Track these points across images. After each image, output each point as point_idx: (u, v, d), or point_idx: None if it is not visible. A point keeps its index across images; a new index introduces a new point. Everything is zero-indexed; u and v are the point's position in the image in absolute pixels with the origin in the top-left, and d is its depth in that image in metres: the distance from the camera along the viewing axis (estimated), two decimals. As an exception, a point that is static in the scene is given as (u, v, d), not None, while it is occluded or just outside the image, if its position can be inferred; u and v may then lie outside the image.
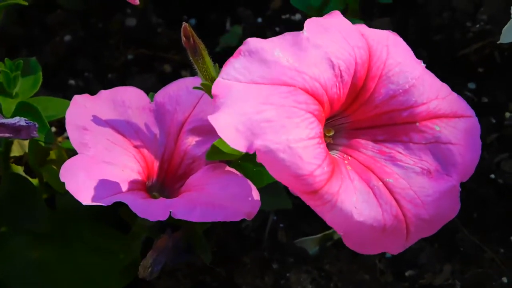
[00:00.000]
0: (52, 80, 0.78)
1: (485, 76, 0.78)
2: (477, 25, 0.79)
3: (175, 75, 0.79)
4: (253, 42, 0.44)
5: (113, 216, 0.63)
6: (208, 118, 0.42)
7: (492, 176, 0.72)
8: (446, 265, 0.66)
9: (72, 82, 0.78)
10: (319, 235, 0.67)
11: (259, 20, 0.81)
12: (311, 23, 0.46)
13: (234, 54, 0.44)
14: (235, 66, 0.44)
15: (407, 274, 0.67)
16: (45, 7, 0.82)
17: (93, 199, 0.49)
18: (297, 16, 0.81)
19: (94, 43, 0.80)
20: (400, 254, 0.69)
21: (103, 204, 0.49)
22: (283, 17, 0.82)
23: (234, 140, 0.43)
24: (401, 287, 0.66)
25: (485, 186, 0.72)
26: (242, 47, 0.44)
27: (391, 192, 0.47)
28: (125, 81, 0.80)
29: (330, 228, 0.69)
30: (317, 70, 0.45)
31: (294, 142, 0.43)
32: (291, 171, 0.43)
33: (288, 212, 0.69)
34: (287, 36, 0.45)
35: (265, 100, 0.43)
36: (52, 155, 0.61)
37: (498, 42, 0.55)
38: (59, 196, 0.64)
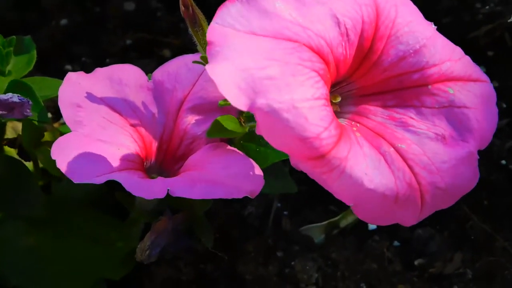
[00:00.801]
0: (48, 65, 0.77)
1: (495, 59, 0.76)
2: (487, 7, 0.77)
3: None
4: None
5: (112, 203, 0.61)
6: (206, 68, 0.39)
7: (503, 162, 0.71)
8: (457, 253, 0.65)
9: (68, 67, 0.78)
10: (324, 223, 0.66)
11: None
12: None
13: None
14: (230, 11, 0.41)
15: (416, 263, 0.66)
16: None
17: (84, 177, 0.47)
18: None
19: (91, 28, 0.79)
20: (408, 242, 0.68)
21: (95, 183, 0.47)
22: None
23: (235, 97, 0.40)
24: (410, 276, 0.64)
25: (495, 172, 0.70)
26: None
27: (403, 158, 0.44)
28: (124, 66, 0.77)
29: (336, 215, 0.68)
30: (322, 27, 0.43)
31: (299, 101, 0.40)
32: (296, 133, 0.40)
33: (293, 199, 0.68)
34: None
35: (268, 55, 0.40)
36: (47, 136, 0.59)
37: (509, 21, 0.53)
38: (55, 182, 0.62)
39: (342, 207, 0.68)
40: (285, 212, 0.67)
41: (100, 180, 0.47)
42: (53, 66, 0.77)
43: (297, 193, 0.64)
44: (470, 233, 0.66)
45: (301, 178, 0.62)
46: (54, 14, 0.80)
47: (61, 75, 0.78)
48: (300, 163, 0.42)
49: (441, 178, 0.45)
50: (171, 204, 0.56)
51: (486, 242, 0.66)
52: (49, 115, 0.73)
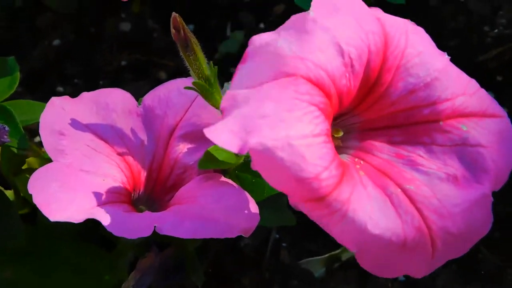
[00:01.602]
0: (40, 87, 0.76)
1: (504, 84, 0.76)
2: (496, 30, 0.77)
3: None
4: (257, 39, 0.41)
5: (100, 233, 0.58)
6: (204, 132, 0.38)
7: (514, 193, 0.68)
8: (466, 288, 0.62)
9: (60, 89, 0.77)
10: (325, 256, 0.65)
11: (262, 25, 0.81)
12: (319, 2, 0.42)
13: (242, 59, 0.41)
14: (242, 72, 0.40)
15: (423, 298, 0.63)
16: (35, 10, 0.79)
17: (62, 215, 0.44)
18: (302, 21, 0.77)
19: (85, 48, 0.79)
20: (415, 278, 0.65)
21: (74, 221, 0.44)
22: None
23: (226, 140, 0.38)
24: (416, 313, 0.62)
25: (507, 201, 0.67)
26: (248, 49, 0.41)
27: (411, 200, 0.42)
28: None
29: (337, 247, 0.65)
30: (323, 56, 0.40)
31: (296, 138, 0.38)
32: (292, 173, 0.38)
33: (292, 229, 0.67)
34: (292, 20, 0.41)
35: (263, 96, 0.38)
36: (33, 162, 0.56)
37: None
38: (40, 210, 0.59)
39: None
40: (283, 244, 0.66)
41: (78, 218, 0.45)
42: (45, 87, 0.77)
43: (296, 223, 0.62)
44: (480, 266, 0.65)
45: (301, 209, 0.59)
46: (48, 33, 0.80)
47: (52, 97, 0.77)
48: (299, 204, 0.40)
49: (453, 222, 0.42)
50: (159, 238, 0.53)
51: (497, 275, 0.64)
52: (37, 138, 0.71)
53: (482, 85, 0.78)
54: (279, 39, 0.40)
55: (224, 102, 0.39)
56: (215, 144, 0.47)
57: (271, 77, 0.39)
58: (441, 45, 0.78)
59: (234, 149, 0.37)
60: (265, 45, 0.40)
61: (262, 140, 0.37)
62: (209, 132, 0.38)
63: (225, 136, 0.38)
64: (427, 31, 0.81)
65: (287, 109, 0.38)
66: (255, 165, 0.38)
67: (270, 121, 0.37)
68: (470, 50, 0.76)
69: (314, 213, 0.39)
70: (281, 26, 0.41)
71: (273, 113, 0.38)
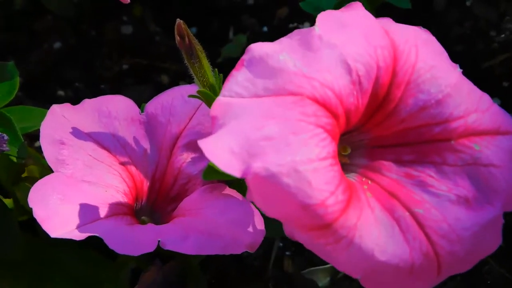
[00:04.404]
0: (40, 91, 0.74)
1: (511, 90, 0.74)
2: (502, 35, 0.75)
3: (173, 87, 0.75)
4: (256, 49, 0.39)
5: (102, 242, 0.57)
6: (198, 144, 0.36)
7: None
8: (472, 300, 0.61)
9: (61, 93, 0.76)
10: (330, 265, 0.64)
11: (265, 29, 0.80)
12: (325, 17, 0.40)
13: (236, 66, 0.39)
14: (237, 79, 0.38)
15: (428, 309, 0.61)
16: (35, 13, 0.78)
17: (63, 230, 0.43)
18: (306, 25, 0.78)
19: (85, 51, 0.78)
20: None
21: (74, 238, 0.42)
22: (291, 25, 0.80)
23: (227, 163, 0.36)
24: (422, 325, 0.60)
25: (512, 214, 0.66)
26: (244, 56, 0.39)
27: (420, 225, 0.40)
28: (119, 93, 0.75)
29: None
30: (330, 76, 0.38)
31: (302, 163, 0.36)
32: (298, 200, 0.36)
33: None
34: (296, 35, 0.39)
35: (265, 114, 0.37)
36: (33, 171, 0.55)
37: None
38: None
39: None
40: (287, 253, 0.65)
41: (80, 235, 0.43)
42: (45, 92, 0.76)
43: None
44: (486, 278, 0.64)
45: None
46: (47, 37, 0.78)
47: (53, 101, 0.76)
48: (296, 232, 0.38)
49: (461, 246, 0.41)
50: (162, 250, 0.52)
51: (504, 286, 0.63)
52: (37, 143, 0.70)
53: (488, 91, 0.77)
54: (281, 52, 0.38)
55: (215, 109, 0.37)
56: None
57: (272, 92, 0.37)
58: (447, 51, 0.78)
59: (236, 173, 0.36)
60: (265, 56, 0.38)
61: (267, 165, 0.36)
62: (205, 146, 0.36)
63: (225, 157, 0.36)
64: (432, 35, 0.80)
65: (293, 131, 0.36)
66: (252, 194, 0.36)
67: (275, 144, 0.36)
68: (476, 56, 0.75)
69: (316, 242, 0.37)
70: (283, 38, 0.40)
71: (278, 135, 0.36)
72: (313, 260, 0.65)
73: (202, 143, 0.36)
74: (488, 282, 0.64)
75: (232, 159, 0.36)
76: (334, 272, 0.64)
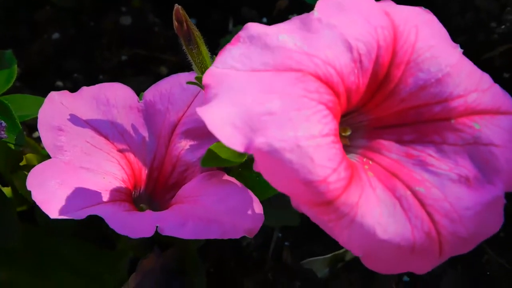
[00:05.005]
0: (39, 81, 0.74)
1: (511, 82, 0.73)
2: (503, 26, 0.76)
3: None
4: (254, 27, 0.38)
5: (100, 232, 0.57)
6: (197, 111, 0.36)
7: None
8: (471, 289, 0.61)
9: (60, 83, 0.76)
10: (329, 255, 0.63)
11: (265, 20, 0.79)
12: (323, 2, 0.40)
13: (232, 41, 0.38)
14: (232, 53, 0.37)
15: (428, 300, 0.62)
16: (34, 3, 0.78)
17: (63, 212, 0.43)
18: (306, 16, 0.76)
19: (85, 42, 0.78)
20: (420, 279, 0.64)
21: (74, 218, 0.43)
22: (290, 17, 0.78)
23: (230, 137, 0.36)
24: (421, 315, 0.61)
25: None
26: (241, 33, 0.38)
27: (422, 203, 0.40)
28: (118, 84, 0.75)
29: (341, 247, 0.64)
30: (331, 53, 0.38)
31: (304, 139, 0.36)
32: (300, 176, 0.36)
33: (295, 228, 0.65)
34: (295, 19, 0.39)
35: (267, 89, 0.36)
36: (32, 159, 0.55)
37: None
38: (38, 207, 0.58)
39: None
40: (286, 243, 0.65)
41: (80, 215, 0.44)
42: (44, 82, 0.76)
43: (300, 222, 0.62)
44: (486, 268, 0.63)
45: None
46: (47, 28, 0.78)
47: (51, 91, 0.76)
48: (302, 206, 0.38)
49: (463, 226, 0.40)
50: (161, 237, 0.52)
51: (503, 277, 0.63)
52: (36, 133, 0.70)
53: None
54: (280, 33, 0.38)
55: (208, 78, 0.37)
56: (218, 142, 0.45)
57: (271, 67, 0.37)
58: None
59: (239, 147, 0.36)
60: (263, 34, 0.38)
61: (270, 140, 0.35)
62: (205, 115, 0.35)
63: (228, 131, 0.36)
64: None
65: (296, 107, 0.36)
66: (258, 166, 0.37)
67: (277, 119, 0.35)
68: (476, 47, 0.75)
69: (319, 218, 0.38)
70: (281, 23, 0.39)
71: (280, 111, 0.36)
72: (312, 250, 0.65)
73: (201, 112, 0.36)
74: (488, 273, 0.64)
75: (235, 133, 0.35)
76: (333, 262, 0.64)
